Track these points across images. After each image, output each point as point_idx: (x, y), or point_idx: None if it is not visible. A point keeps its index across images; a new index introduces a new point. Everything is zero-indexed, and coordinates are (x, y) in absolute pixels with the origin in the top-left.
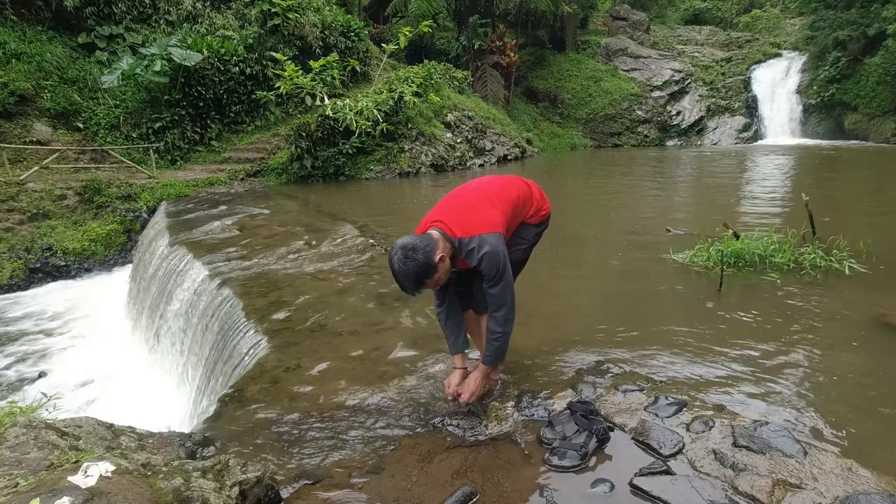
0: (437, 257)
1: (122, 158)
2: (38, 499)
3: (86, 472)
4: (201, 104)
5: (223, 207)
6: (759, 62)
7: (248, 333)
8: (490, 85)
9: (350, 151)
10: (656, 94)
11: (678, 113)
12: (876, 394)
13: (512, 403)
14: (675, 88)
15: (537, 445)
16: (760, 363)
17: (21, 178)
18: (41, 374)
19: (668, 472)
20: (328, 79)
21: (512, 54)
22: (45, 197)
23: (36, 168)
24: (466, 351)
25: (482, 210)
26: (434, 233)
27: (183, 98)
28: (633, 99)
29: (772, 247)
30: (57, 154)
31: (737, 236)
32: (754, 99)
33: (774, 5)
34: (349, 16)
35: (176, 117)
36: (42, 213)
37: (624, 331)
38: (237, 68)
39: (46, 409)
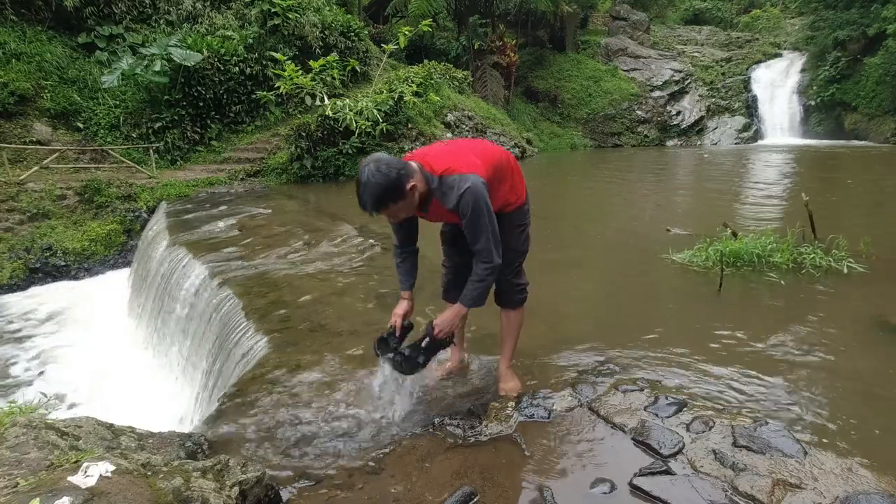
0: (409, 185)
1: (122, 158)
2: (38, 499)
3: (86, 472)
4: (201, 104)
5: (223, 207)
6: (758, 62)
7: (248, 333)
8: (490, 85)
9: (350, 151)
10: (656, 94)
11: (678, 113)
12: (876, 393)
13: (512, 403)
14: (675, 88)
15: (538, 445)
16: (760, 363)
17: (21, 178)
18: (41, 375)
19: (668, 472)
20: (328, 79)
21: (512, 54)
22: (45, 197)
23: (36, 168)
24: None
25: (468, 156)
26: (413, 164)
27: (183, 98)
28: (633, 99)
29: (770, 246)
30: (57, 154)
31: (735, 236)
32: (754, 99)
33: (774, 5)
34: (349, 16)
35: (176, 117)
36: (42, 213)
37: (624, 331)
38: (237, 68)
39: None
